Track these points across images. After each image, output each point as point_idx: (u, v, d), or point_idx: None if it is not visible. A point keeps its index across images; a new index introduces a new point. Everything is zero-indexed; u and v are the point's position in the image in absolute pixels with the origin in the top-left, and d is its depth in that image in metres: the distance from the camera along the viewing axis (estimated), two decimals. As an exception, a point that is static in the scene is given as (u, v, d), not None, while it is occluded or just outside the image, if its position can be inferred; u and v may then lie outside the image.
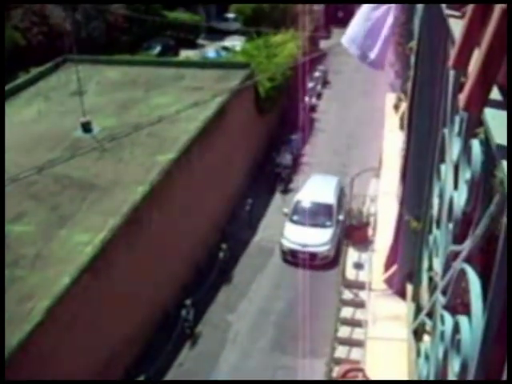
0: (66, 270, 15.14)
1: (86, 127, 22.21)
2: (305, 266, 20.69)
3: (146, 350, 18.33)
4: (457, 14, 3.55)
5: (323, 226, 22.44)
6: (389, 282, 6.76)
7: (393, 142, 9.37)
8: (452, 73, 3.46)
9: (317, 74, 37.08)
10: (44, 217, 17.62)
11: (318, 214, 22.65)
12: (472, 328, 2.63)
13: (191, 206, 21.38)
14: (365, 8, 9.57)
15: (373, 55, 9.40)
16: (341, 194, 23.26)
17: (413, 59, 5.44)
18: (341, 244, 19.96)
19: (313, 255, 21.61)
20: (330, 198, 23.12)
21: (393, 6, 9.10)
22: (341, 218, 21.76)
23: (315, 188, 23.91)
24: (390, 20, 9.09)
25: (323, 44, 40.10)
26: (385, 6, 9.21)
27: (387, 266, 6.89)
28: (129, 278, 17.61)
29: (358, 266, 17.46)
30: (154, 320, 19.00)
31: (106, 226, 16.81)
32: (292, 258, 22.16)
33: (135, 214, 17.72)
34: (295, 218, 22.94)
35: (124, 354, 17.42)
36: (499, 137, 2.12)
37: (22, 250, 15.98)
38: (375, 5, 9.37)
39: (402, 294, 6.28)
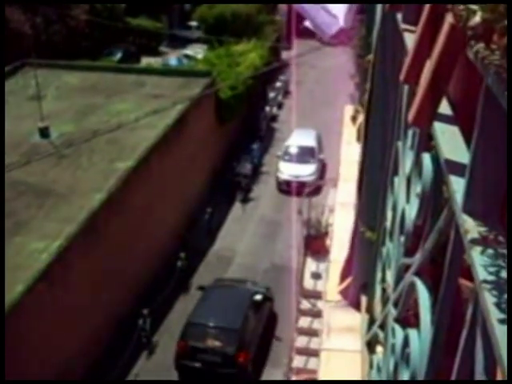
0: (20, 277, 14.87)
1: (44, 132, 21.87)
2: (296, 193, 25.20)
3: (101, 360, 18.05)
4: (412, 28, 3.58)
5: (308, 162, 28.58)
6: (344, 293, 6.76)
7: (350, 153, 9.44)
8: (405, 86, 3.48)
9: (278, 84, 37.24)
10: (-2, 223, 17.28)
11: (303, 154, 28.80)
12: (421, 341, 2.63)
13: (149, 214, 21.21)
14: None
15: (333, 30, 9.04)
16: (319, 141, 29.65)
17: (370, 72, 5.48)
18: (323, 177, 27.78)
19: (302, 184, 26.23)
20: (311, 142, 29.45)
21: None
22: (321, 156, 28.84)
23: (300, 136, 29.87)
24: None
25: (285, 55, 40.33)
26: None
27: (343, 277, 6.89)
28: (85, 286, 17.36)
29: (316, 275, 17.58)
30: (110, 329, 18.74)
31: (62, 233, 16.56)
32: (286, 187, 27.73)
33: (92, 222, 17.50)
34: (286, 157, 29.01)
35: (79, 363, 17.13)
36: (448, 151, 2.10)
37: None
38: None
39: (356, 306, 6.29)
